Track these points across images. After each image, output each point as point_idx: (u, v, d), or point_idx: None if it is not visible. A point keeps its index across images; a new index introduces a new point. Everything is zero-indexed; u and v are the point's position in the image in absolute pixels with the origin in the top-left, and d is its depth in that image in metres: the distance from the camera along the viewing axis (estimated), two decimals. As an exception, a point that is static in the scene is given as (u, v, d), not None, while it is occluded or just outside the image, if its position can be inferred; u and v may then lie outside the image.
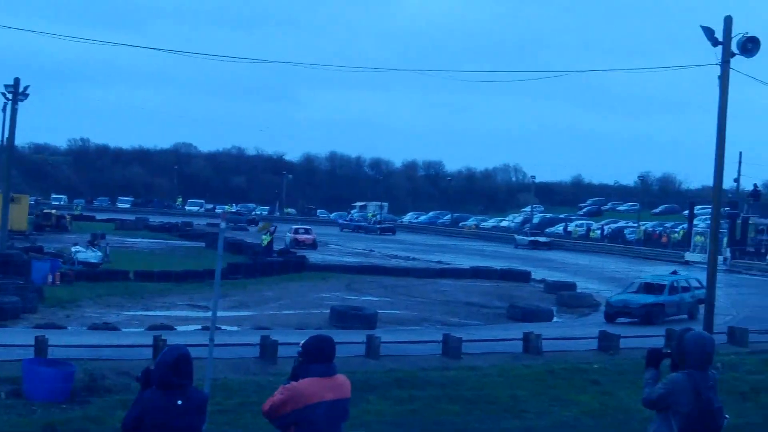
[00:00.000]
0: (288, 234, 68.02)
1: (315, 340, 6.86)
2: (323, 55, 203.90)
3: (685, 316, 32.15)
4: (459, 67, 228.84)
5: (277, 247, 55.86)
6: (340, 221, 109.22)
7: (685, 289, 33.58)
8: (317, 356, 6.74)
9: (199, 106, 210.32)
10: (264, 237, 53.90)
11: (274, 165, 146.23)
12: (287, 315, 31.25)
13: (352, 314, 29.15)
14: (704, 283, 32.65)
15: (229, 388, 16.54)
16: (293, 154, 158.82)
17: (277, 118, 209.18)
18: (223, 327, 26.64)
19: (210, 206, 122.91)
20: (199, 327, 26.22)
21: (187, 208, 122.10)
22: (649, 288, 33.74)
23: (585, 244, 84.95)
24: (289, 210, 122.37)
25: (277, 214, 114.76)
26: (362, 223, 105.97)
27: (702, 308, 31.72)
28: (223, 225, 11.83)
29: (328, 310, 30.54)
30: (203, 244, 60.62)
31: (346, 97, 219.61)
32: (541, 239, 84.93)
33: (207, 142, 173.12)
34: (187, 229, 76.80)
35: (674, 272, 37.01)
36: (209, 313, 12.73)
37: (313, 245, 65.71)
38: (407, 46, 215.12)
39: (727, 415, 7.31)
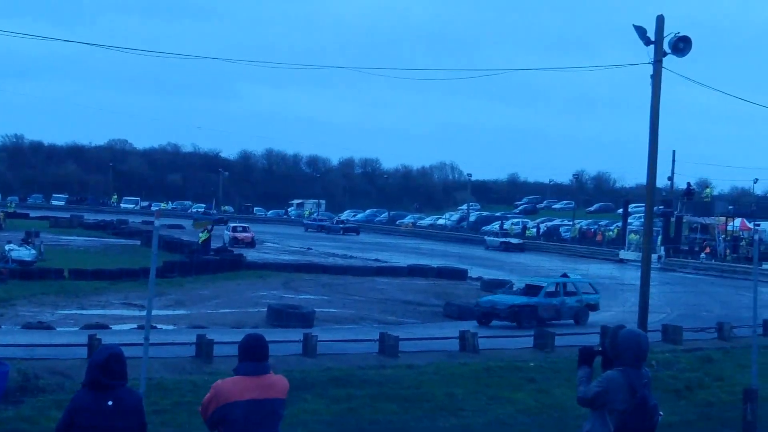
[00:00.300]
0: (226, 232, 67.59)
1: (245, 338, 6.82)
2: (259, 52, 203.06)
3: (571, 321, 31.39)
4: (395, 65, 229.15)
5: (215, 245, 55.45)
6: (306, 221, 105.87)
7: (571, 293, 32.52)
8: (245, 355, 6.69)
9: (135, 103, 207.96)
10: (201, 235, 53.49)
11: (211, 162, 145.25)
12: (224, 314, 31.05)
13: (290, 313, 29.04)
14: (596, 288, 33.73)
15: (165, 387, 16.40)
16: (230, 151, 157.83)
17: (214, 114, 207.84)
18: (159, 326, 26.40)
19: (145, 204, 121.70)
20: (135, 326, 25.92)
21: (122, 205, 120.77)
22: (529, 289, 32.73)
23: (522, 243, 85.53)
24: (226, 208, 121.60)
25: (214, 212, 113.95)
26: (325, 223, 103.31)
27: (592, 314, 32.19)
28: (157, 223, 11.70)
29: (265, 309, 30.40)
30: (138, 242, 59.97)
31: (283, 94, 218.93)
32: (513, 240, 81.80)
33: (142, 139, 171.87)
34: (123, 227, 75.93)
35: (564, 275, 35.94)
36: (145, 312, 12.58)
37: (251, 243, 65.29)
38: (343, 43, 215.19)
39: (661, 412, 7.34)
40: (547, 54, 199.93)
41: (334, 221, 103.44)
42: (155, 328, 24.84)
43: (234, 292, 37.57)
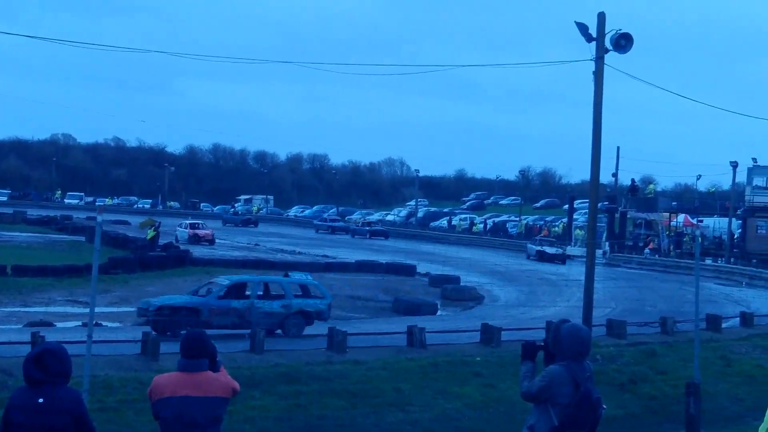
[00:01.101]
0: (179, 228, 66.72)
1: (184, 336, 6.84)
2: (200, 47, 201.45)
3: (272, 329, 24.59)
4: (337, 61, 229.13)
5: (164, 241, 54.99)
6: (316, 222, 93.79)
7: (275, 297, 26.20)
8: (183, 352, 6.69)
9: (78, 97, 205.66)
10: (148, 232, 53.05)
11: (156, 157, 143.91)
12: (170, 310, 30.78)
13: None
14: (325, 291, 27.85)
15: (110, 385, 16.30)
16: (176, 146, 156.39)
17: (159, 109, 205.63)
18: (104, 323, 26.22)
19: (90, 199, 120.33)
20: (80, 323, 25.68)
21: (66, 201, 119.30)
22: (231, 289, 25.98)
23: (469, 238, 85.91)
24: (172, 203, 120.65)
25: (160, 207, 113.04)
26: (337, 224, 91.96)
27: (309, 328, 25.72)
28: (99, 218, 11.64)
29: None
30: (83, 239, 59.27)
31: (229, 89, 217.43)
32: (550, 250, 63.66)
33: (87, 134, 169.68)
34: (67, 223, 75.02)
35: (286, 275, 32.17)
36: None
37: (212, 241, 64.30)
38: (288, 37, 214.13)
39: (605, 406, 7.41)
40: (493, 51, 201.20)
41: (359, 223, 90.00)
42: (100, 325, 24.67)
43: (180, 288, 37.21)
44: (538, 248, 63.84)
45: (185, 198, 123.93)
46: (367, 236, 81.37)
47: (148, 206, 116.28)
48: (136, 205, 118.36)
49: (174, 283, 38.57)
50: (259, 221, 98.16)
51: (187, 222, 70.02)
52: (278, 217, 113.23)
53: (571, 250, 68.20)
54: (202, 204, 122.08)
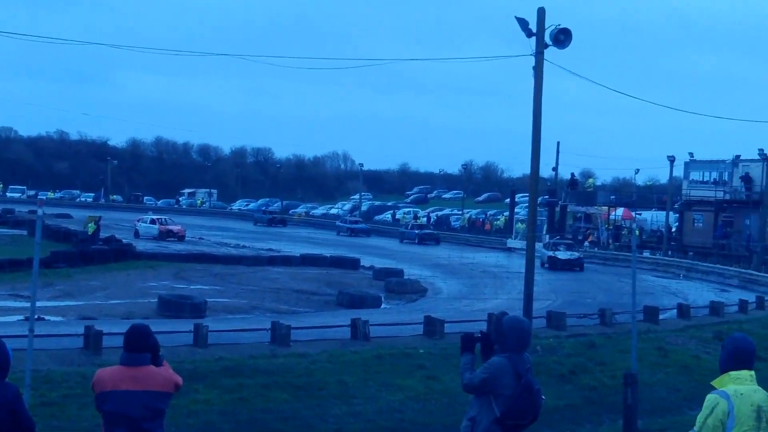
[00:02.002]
0: (141, 224, 65.44)
1: (128, 329, 6.86)
2: (143, 39, 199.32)
3: None
4: (272, 54, 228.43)
5: (106, 234, 54.51)
6: (339, 223, 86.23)
7: None
8: (125, 346, 6.75)
9: (19, 90, 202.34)
10: (89, 226, 52.57)
11: (99, 150, 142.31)
12: (113, 305, 30.69)
13: (181, 303, 28.91)
14: None
15: (53, 380, 16.22)
16: (118, 140, 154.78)
17: (101, 102, 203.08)
18: (47, 317, 26.03)
19: (32, 193, 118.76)
20: (22, 317, 25.47)
21: (8, 194, 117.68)
22: None
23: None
24: (115, 197, 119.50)
25: (103, 201, 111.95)
26: (359, 225, 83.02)
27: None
28: (40, 212, 11.65)
29: (156, 300, 30.16)
30: (25, 232, 58.52)
31: (170, 82, 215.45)
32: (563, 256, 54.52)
33: (27, 126, 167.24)
34: (8, 216, 74.00)
35: None
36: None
37: (183, 237, 63.26)
38: (228, 31, 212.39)
39: (543, 396, 7.57)
40: (433, 46, 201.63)
41: (409, 225, 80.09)
42: (43, 319, 24.50)
43: (124, 282, 37.14)
44: (550, 254, 53.37)
45: (128, 191, 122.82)
46: (416, 241, 72.74)
47: (91, 200, 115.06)
48: (78, 199, 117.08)
49: (117, 278, 38.39)
50: (287, 221, 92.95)
51: (150, 217, 68.45)
52: (222, 211, 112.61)
53: (511, 242, 68.89)
54: (145, 197, 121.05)
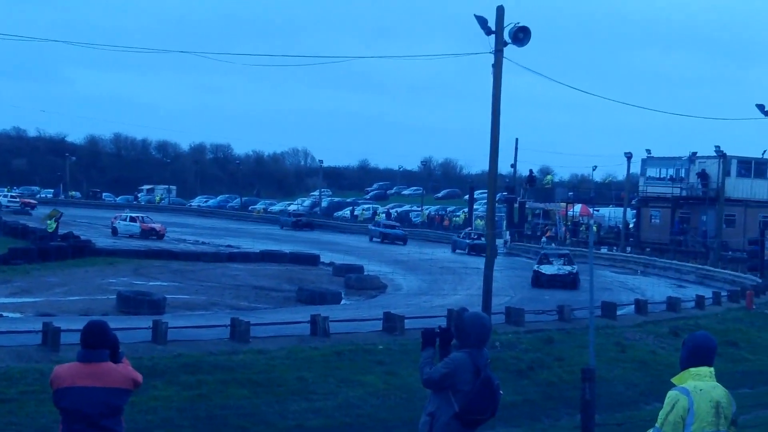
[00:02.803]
0: (120, 222, 64.52)
1: (85, 325, 6.86)
2: (92, 36, 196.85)
3: None
4: (239, 51, 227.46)
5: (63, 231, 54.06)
6: (372, 227, 76.33)
7: None
8: (82, 342, 6.75)
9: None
10: (49, 222, 52.13)
11: (57, 147, 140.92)
12: (72, 301, 30.50)
13: (140, 299, 28.76)
14: None
15: (11, 377, 16.13)
16: (76, 136, 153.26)
17: (56, 99, 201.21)
18: (5, 314, 25.85)
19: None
20: (-21, 314, 25.29)
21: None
22: None
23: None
24: (74, 193, 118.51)
25: (62, 197, 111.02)
26: (395, 231, 73.38)
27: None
28: None
29: (115, 296, 30.01)
30: (-19, 229, 58.12)
31: (127, 79, 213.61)
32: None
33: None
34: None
35: None
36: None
37: (163, 236, 62.33)
38: (185, 28, 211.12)
39: (501, 391, 7.62)
40: (390, 44, 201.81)
41: (461, 235, 67.57)
42: (0, 316, 24.33)
43: (82, 279, 36.90)
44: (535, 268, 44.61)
45: (87, 188, 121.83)
46: (466, 251, 61.58)
47: (50, 196, 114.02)
48: (37, 195, 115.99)
49: (75, 274, 38.13)
50: (314, 223, 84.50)
51: (128, 215, 67.30)
52: (181, 207, 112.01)
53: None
54: (104, 194, 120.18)
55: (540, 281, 42.42)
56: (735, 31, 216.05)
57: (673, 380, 6.33)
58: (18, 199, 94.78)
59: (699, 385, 6.19)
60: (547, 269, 43.54)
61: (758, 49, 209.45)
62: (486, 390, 7.39)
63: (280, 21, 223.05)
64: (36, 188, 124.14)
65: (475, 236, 63.04)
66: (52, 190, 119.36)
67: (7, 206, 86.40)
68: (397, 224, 79.48)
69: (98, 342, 6.71)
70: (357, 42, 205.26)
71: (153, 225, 64.11)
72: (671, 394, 6.21)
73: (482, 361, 7.45)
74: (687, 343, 6.41)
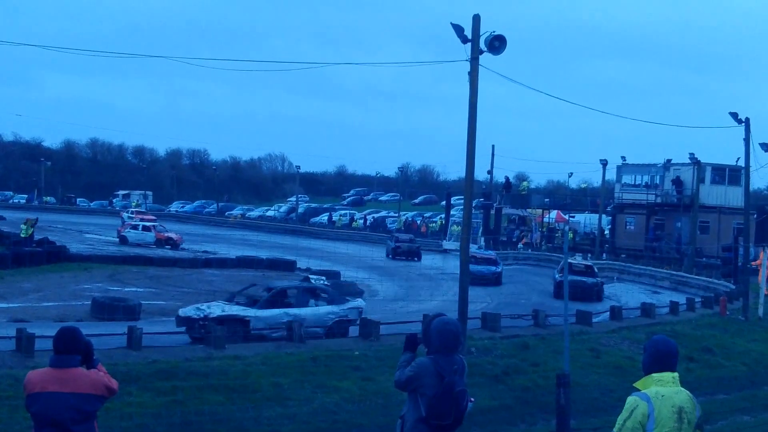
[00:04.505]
0: (130, 230, 62.89)
1: (57, 331, 6.91)
2: (64, 41, 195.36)
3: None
4: (211, 56, 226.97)
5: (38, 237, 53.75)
6: (389, 242, 66.18)
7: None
8: (54, 348, 6.80)
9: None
10: (23, 227, 51.73)
11: (33, 151, 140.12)
12: (46, 307, 30.31)
13: (115, 305, 28.62)
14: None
15: (-17, 382, 16.03)
16: (52, 141, 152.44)
17: (34, 103, 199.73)
18: (-23, 320, 25.64)
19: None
20: (-49, 321, 25.10)
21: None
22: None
23: (349, 233, 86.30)
24: (48, 198, 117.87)
25: (36, 202, 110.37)
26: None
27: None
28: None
29: (90, 302, 29.85)
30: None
31: (101, 83, 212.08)
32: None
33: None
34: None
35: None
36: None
37: (178, 245, 61.08)
38: (146, 33, 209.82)
39: (471, 399, 7.73)
40: (362, 51, 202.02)
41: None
42: (-27, 322, 24.16)
43: (57, 284, 36.70)
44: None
45: (62, 193, 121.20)
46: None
47: (24, 201, 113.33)
48: (11, 200, 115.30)
49: (50, 280, 37.93)
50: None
51: (135, 222, 65.41)
52: (159, 213, 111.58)
53: (447, 244, 69.26)
54: (78, 199, 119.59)
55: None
56: (711, 42, 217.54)
57: (636, 385, 6.37)
58: None
59: (661, 391, 6.22)
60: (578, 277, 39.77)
61: (729, 60, 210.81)
62: (447, 396, 7.45)
63: (247, 28, 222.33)
64: (9, 193, 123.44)
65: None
66: (26, 196, 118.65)
67: None
68: (412, 236, 71.04)
69: (70, 348, 6.74)
70: (330, 50, 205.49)
71: (169, 234, 62.34)
72: (630, 399, 6.25)
73: (449, 367, 7.52)
74: (648, 349, 6.46)
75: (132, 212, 75.10)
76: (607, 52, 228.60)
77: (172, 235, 62.43)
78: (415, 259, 61.30)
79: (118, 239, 62.80)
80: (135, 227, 63.42)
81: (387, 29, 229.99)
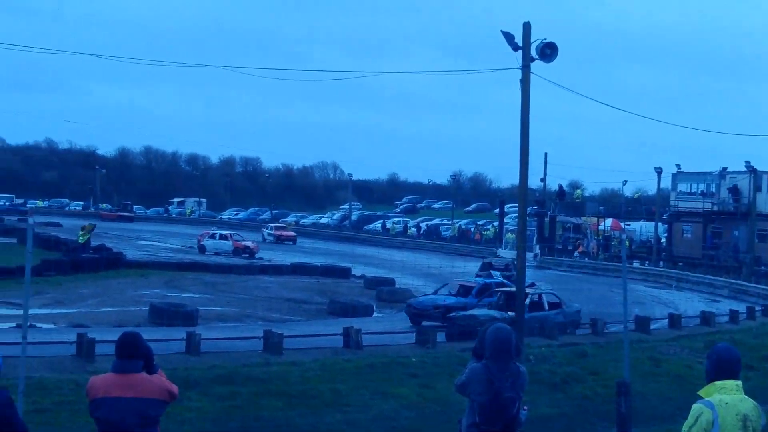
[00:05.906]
0: (208, 239, 63.96)
1: (119, 336, 6.90)
2: (109, 49, 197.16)
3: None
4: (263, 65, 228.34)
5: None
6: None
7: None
8: (116, 353, 6.81)
9: (5, 99, 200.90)
10: (80, 233, 52.37)
11: (87, 159, 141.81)
12: (105, 312, 30.66)
13: (172, 311, 28.85)
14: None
15: (45, 387, 16.19)
16: (107, 149, 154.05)
17: (88, 111, 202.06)
18: (39, 325, 25.95)
19: (20, 201, 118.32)
20: (14, 324, 25.39)
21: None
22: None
23: (402, 241, 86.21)
24: (104, 206, 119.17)
25: (92, 209, 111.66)
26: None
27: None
28: (31, 220, 11.64)
29: (147, 308, 30.10)
30: (15, 240, 58.35)
31: (152, 93, 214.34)
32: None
33: (15, 135, 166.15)
34: (-3, 225, 73.90)
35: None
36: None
37: (255, 253, 61.58)
38: (201, 42, 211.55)
39: (526, 407, 7.73)
40: (421, 60, 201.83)
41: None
42: (34, 327, 24.43)
43: (115, 290, 37.09)
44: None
45: (117, 200, 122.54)
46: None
47: (80, 208, 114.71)
48: (67, 207, 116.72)
49: (108, 285, 38.34)
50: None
51: (219, 232, 67.02)
52: (212, 220, 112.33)
53: (502, 252, 68.90)
54: (134, 206, 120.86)
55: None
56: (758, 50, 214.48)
57: (700, 393, 6.30)
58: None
59: (724, 399, 6.14)
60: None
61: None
62: (497, 402, 7.49)
63: (299, 36, 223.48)
64: (65, 200, 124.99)
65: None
66: (82, 203, 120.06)
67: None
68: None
69: (132, 353, 6.76)
70: (378, 59, 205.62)
71: (246, 243, 63.28)
72: (695, 407, 6.19)
73: (501, 374, 7.52)
74: (710, 357, 6.38)
75: (272, 227, 79.56)
76: (655, 58, 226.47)
77: (249, 243, 63.20)
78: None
79: (197, 248, 63.78)
80: (213, 236, 64.86)
81: (417, 37, 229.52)
